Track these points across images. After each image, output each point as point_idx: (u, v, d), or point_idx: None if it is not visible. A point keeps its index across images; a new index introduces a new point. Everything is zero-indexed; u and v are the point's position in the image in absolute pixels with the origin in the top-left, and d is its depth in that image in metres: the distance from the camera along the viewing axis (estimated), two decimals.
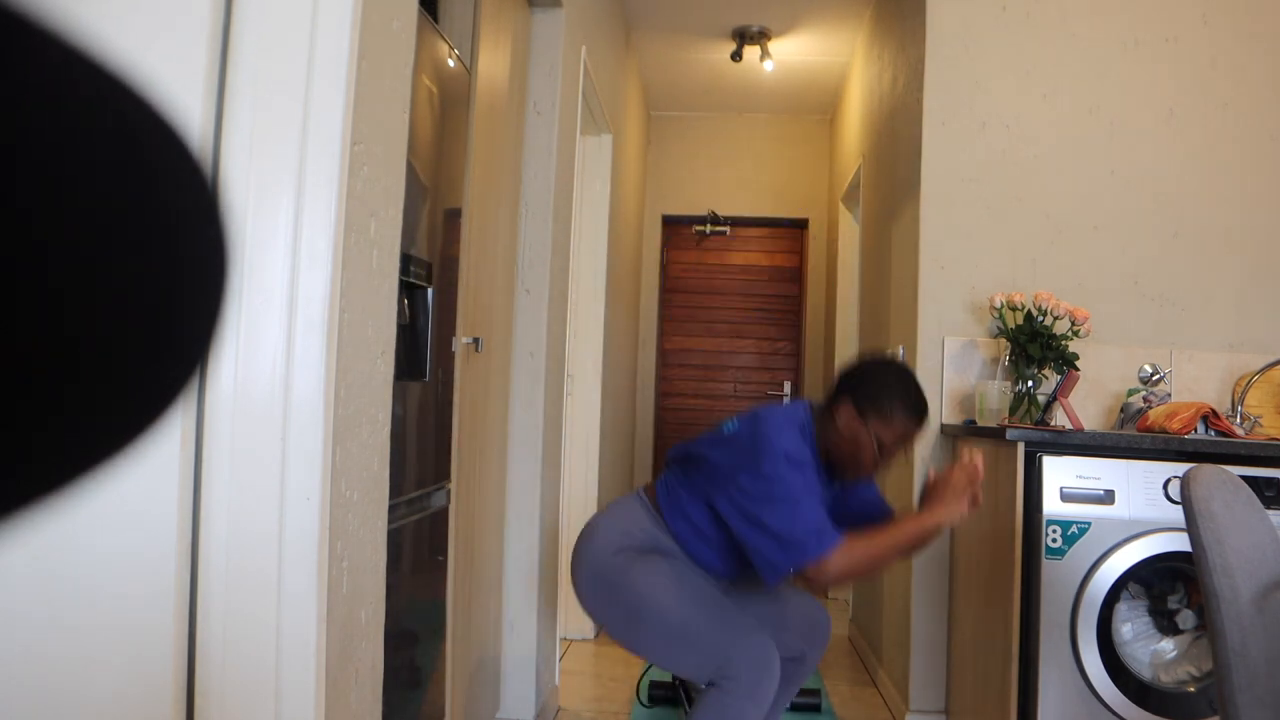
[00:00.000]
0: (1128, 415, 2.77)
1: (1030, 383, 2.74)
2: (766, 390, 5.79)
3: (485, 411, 2.51)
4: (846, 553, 1.89)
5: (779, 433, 1.97)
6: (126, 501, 1.10)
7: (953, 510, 1.94)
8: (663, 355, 5.84)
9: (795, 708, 3.07)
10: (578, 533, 2.21)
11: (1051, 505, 2.29)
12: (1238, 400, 2.82)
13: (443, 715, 2.16)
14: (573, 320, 3.42)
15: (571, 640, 3.85)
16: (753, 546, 1.95)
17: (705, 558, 2.10)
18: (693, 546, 2.09)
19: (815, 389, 5.63)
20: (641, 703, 3.04)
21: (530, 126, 2.82)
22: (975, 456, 2.00)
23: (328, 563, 1.22)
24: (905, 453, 2.08)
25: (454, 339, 2.17)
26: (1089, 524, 2.28)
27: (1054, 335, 2.74)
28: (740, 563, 2.12)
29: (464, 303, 2.23)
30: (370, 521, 1.39)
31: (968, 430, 2.76)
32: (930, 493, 2.02)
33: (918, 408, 2.02)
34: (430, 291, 1.96)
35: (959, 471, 1.98)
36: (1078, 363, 2.73)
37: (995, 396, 2.74)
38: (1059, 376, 2.72)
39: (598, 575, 2.08)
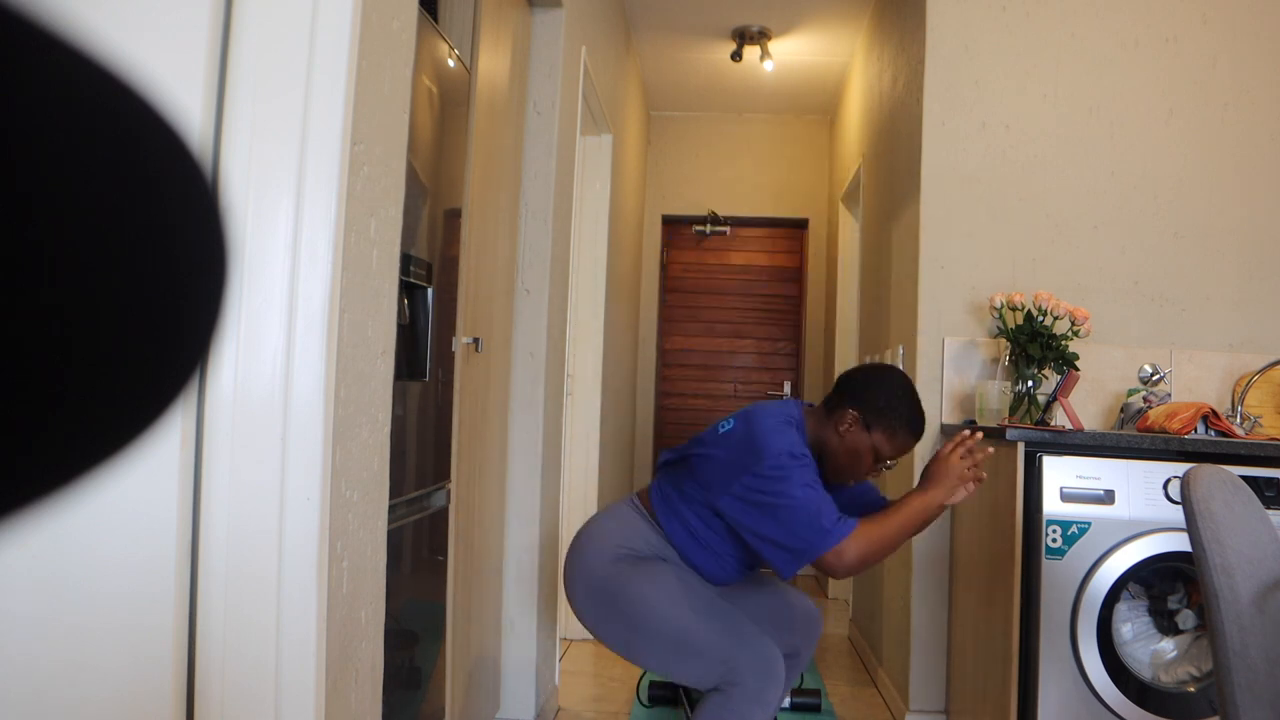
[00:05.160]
0: (1128, 415, 2.77)
1: (1030, 383, 2.74)
2: (767, 390, 5.79)
3: (485, 411, 2.51)
4: (860, 538, 1.89)
5: (777, 431, 1.97)
6: (126, 501, 1.10)
7: (951, 493, 1.96)
8: (663, 355, 5.84)
9: (795, 708, 3.07)
10: (578, 532, 2.21)
11: (1051, 505, 2.29)
12: (1238, 400, 2.82)
13: (443, 715, 2.16)
14: (573, 320, 3.42)
15: (571, 640, 3.85)
16: (765, 544, 1.94)
17: (704, 565, 2.08)
18: (690, 553, 2.07)
19: (815, 389, 5.63)
20: (642, 703, 3.04)
21: (530, 126, 2.82)
22: (975, 435, 2.03)
23: (328, 563, 1.22)
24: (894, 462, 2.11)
25: (454, 339, 2.17)
26: (1089, 524, 2.28)
27: (1054, 335, 2.73)
28: (740, 567, 2.11)
29: (464, 303, 2.23)
30: (370, 521, 1.39)
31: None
32: (928, 472, 2.03)
33: (920, 425, 2.06)
34: (430, 291, 1.96)
35: (954, 454, 1.99)
36: (1078, 363, 2.73)
37: (995, 396, 2.74)
38: (1059, 376, 2.72)
39: (595, 588, 2.04)
